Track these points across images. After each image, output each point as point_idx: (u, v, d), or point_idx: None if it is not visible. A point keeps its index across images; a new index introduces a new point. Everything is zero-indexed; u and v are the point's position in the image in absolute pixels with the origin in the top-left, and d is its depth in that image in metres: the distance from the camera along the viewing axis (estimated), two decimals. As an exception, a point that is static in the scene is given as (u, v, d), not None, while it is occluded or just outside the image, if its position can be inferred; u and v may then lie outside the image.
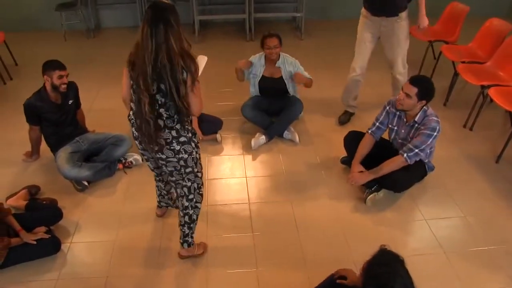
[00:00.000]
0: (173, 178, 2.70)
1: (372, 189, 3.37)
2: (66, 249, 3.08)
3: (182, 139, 2.51)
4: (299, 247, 3.03)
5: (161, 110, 2.40)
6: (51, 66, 3.54)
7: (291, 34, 6.86)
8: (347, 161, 3.70)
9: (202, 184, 2.83)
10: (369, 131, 3.45)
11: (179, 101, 2.34)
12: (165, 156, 2.54)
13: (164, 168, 2.66)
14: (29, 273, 2.90)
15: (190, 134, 2.54)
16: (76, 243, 3.14)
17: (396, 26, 3.91)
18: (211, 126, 4.17)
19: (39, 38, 6.98)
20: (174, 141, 2.49)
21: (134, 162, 3.84)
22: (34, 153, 3.97)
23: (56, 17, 6.86)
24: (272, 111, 4.26)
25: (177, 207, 3.04)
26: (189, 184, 2.72)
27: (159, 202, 3.27)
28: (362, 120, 4.38)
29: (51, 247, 3.01)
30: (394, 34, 3.95)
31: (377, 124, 3.42)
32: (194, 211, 2.82)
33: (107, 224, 3.28)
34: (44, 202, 3.42)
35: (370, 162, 3.35)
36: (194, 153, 2.60)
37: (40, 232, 3.00)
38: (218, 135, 4.16)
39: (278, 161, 3.91)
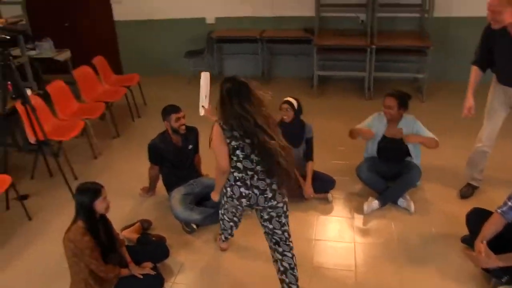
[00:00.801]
0: (271, 226, 2.85)
1: (503, 280, 2.94)
2: (168, 288, 3.13)
3: None
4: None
5: None
6: (167, 111, 3.75)
7: (412, 96, 6.59)
8: (468, 241, 3.34)
9: None
10: (499, 211, 3.07)
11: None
12: (276, 202, 2.77)
13: (266, 218, 2.85)
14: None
15: None
16: (178, 284, 3.20)
17: None
18: (323, 184, 4.07)
19: (167, 81, 7.53)
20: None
21: (243, 212, 3.82)
22: (150, 189, 4.16)
23: (185, 63, 7.37)
24: (388, 175, 4.07)
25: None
26: (287, 227, 2.90)
27: (230, 234, 3.37)
28: (488, 195, 4.00)
29: (155, 283, 3.09)
30: None
31: (510, 203, 3.06)
32: None
33: (209, 270, 3.29)
34: (154, 238, 3.54)
35: (496, 245, 2.98)
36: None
37: (147, 267, 3.09)
38: (329, 195, 4.05)
39: (390, 229, 3.69)
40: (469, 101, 3.70)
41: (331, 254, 3.46)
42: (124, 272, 3.01)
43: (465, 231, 3.37)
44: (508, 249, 2.88)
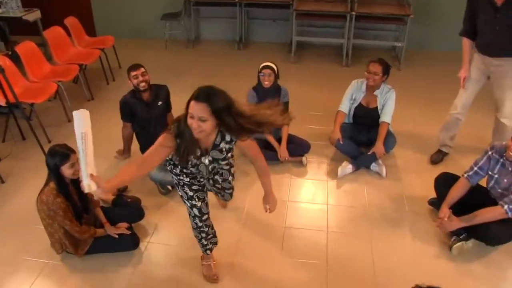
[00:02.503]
0: None
1: (461, 237, 3.13)
2: (143, 247, 3.19)
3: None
4: (373, 286, 2.88)
5: None
6: (128, 69, 3.73)
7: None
8: (435, 203, 3.48)
9: (192, 208, 2.74)
10: (465, 175, 3.21)
11: None
12: None
13: None
14: (108, 263, 3.05)
15: (168, 167, 2.65)
16: (153, 243, 3.24)
17: (511, 68, 3.63)
18: (298, 147, 4.12)
19: (144, 44, 7.37)
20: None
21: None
22: (125, 152, 4.13)
23: (161, 26, 7.23)
24: (362, 141, 4.15)
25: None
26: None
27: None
28: (456, 161, 4.12)
29: (130, 243, 3.15)
30: (506, 76, 3.64)
31: (476, 168, 3.18)
32: (194, 231, 2.88)
33: (183, 230, 3.31)
34: (129, 200, 3.55)
35: (461, 208, 3.12)
36: (175, 180, 2.68)
37: (122, 227, 3.13)
38: (304, 158, 4.10)
39: (362, 193, 3.78)
40: (465, 72, 3.80)
41: (304, 215, 3.54)
42: (100, 232, 3.06)
43: (433, 195, 3.50)
44: (470, 211, 3.04)
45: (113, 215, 3.23)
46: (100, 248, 3.08)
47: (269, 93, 3.98)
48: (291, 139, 4.11)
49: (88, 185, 2.07)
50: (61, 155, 2.79)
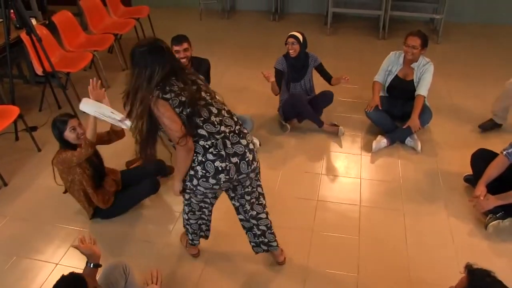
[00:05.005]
0: (249, 189, 2.53)
1: (497, 215, 3.07)
2: (174, 220, 3.24)
3: None
4: (405, 261, 2.87)
5: None
6: (171, 41, 3.61)
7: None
8: (471, 180, 3.42)
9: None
10: (504, 152, 3.12)
11: None
12: (256, 163, 2.39)
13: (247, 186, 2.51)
14: (141, 231, 3.12)
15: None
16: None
17: None
18: (323, 99, 4.20)
19: (178, 14, 7.38)
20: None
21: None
22: None
23: (196, -4, 7.19)
24: (398, 115, 4.09)
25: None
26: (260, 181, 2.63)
27: (201, 236, 2.87)
28: (501, 138, 3.95)
29: (150, 187, 3.26)
30: None
31: (515, 145, 3.10)
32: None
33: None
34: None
35: (497, 185, 3.05)
36: None
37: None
38: (340, 128, 4.09)
39: (396, 167, 3.74)
40: None
41: (337, 188, 3.54)
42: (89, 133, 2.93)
43: (469, 171, 3.43)
44: (507, 189, 2.97)
45: (143, 171, 3.35)
46: (124, 201, 3.21)
47: (298, 61, 4.02)
48: (314, 99, 4.19)
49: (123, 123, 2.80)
50: (59, 121, 2.92)
